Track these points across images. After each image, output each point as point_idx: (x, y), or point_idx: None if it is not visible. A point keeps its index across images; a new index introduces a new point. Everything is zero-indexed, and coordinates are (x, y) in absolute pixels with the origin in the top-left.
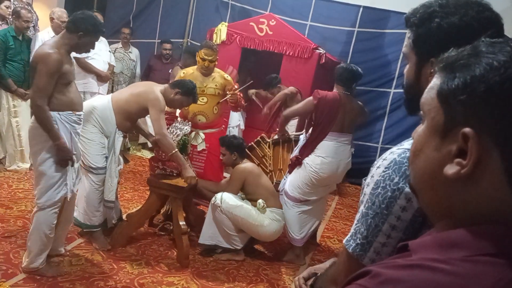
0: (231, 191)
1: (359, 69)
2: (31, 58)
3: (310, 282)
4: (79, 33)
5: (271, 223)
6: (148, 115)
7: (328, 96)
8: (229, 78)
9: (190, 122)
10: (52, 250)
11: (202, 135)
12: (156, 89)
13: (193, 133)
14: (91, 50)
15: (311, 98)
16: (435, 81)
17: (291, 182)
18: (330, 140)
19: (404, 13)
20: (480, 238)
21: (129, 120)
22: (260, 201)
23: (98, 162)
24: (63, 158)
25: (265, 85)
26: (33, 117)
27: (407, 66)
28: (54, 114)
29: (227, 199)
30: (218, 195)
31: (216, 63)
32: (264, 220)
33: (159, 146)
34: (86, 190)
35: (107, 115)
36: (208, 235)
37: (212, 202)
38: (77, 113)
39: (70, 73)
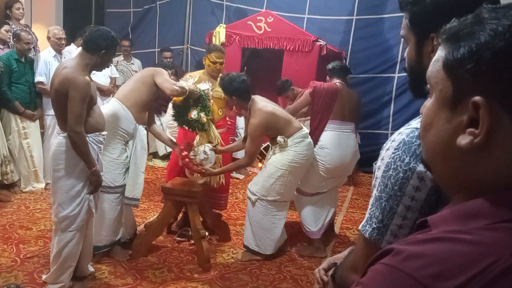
0: (254, 151)
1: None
2: (36, 79)
3: (330, 272)
4: (101, 51)
5: (297, 146)
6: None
7: (323, 85)
8: None
9: (209, 83)
10: (79, 272)
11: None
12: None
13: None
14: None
15: (307, 90)
16: (440, 53)
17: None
18: (332, 130)
19: None
20: (498, 206)
21: (144, 110)
22: (279, 137)
23: (116, 181)
24: (97, 184)
25: (278, 91)
26: (58, 140)
27: (407, 49)
28: None
29: (254, 187)
30: (248, 193)
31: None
32: (288, 155)
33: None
34: (104, 210)
35: (124, 115)
36: (251, 237)
37: (251, 200)
38: (103, 133)
39: (95, 94)
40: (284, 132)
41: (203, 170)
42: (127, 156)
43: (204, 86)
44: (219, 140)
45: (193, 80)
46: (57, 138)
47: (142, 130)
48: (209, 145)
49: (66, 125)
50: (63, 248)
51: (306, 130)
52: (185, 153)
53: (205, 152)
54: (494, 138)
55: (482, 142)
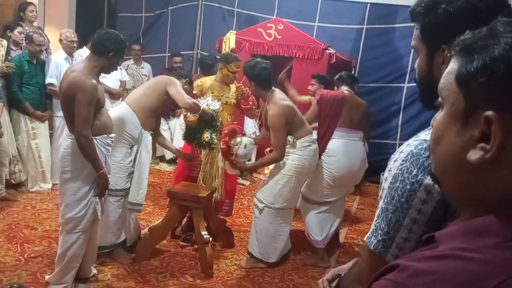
0: (281, 143)
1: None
2: (46, 81)
3: (334, 283)
4: (109, 54)
5: (304, 150)
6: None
7: (330, 93)
8: (243, 86)
9: (220, 101)
10: (82, 273)
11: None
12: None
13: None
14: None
15: (315, 98)
16: (453, 66)
17: (308, 185)
18: (340, 137)
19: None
20: (509, 224)
21: (151, 116)
22: (289, 137)
23: (119, 184)
24: (104, 187)
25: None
26: (67, 142)
27: (418, 59)
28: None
29: (261, 195)
30: (255, 201)
31: None
32: (294, 159)
33: (188, 112)
34: (106, 212)
35: (129, 119)
36: (255, 244)
37: (259, 208)
38: (111, 135)
39: (103, 97)
40: (296, 132)
41: (235, 162)
42: (130, 161)
43: (215, 106)
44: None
45: (206, 101)
46: (66, 141)
47: (147, 136)
48: (252, 140)
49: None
50: (68, 249)
51: (315, 136)
52: (227, 137)
53: (245, 146)
54: (505, 153)
55: (493, 158)
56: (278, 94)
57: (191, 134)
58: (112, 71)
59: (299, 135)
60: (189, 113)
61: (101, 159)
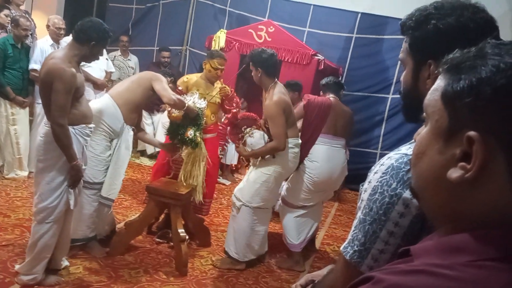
0: (280, 131)
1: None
2: (30, 66)
3: None
4: (91, 42)
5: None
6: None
7: (317, 99)
8: (227, 87)
9: (205, 100)
10: (53, 264)
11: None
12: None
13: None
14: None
15: (302, 103)
16: (439, 83)
17: (288, 188)
18: (323, 144)
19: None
20: (484, 243)
21: (135, 111)
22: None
23: (97, 177)
24: (76, 179)
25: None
26: (44, 130)
27: (404, 72)
28: (69, 129)
29: (239, 193)
30: (234, 199)
31: None
32: (274, 160)
33: (172, 108)
34: (81, 204)
35: (112, 112)
36: (232, 244)
37: (236, 206)
38: (90, 125)
39: (83, 86)
40: (287, 130)
41: (238, 146)
42: (110, 154)
43: (201, 104)
44: (206, 157)
45: (193, 98)
46: (43, 129)
47: (129, 131)
48: (265, 136)
49: None
50: (39, 239)
51: (300, 141)
52: (239, 120)
53: (254, 137)
54: (485, 174)
55: (473, 178)
56: (280, 87)
57: (175, 130)
58: (93, 61)
59: (288, 135)
60: (173, 109)
61: (78, 149)
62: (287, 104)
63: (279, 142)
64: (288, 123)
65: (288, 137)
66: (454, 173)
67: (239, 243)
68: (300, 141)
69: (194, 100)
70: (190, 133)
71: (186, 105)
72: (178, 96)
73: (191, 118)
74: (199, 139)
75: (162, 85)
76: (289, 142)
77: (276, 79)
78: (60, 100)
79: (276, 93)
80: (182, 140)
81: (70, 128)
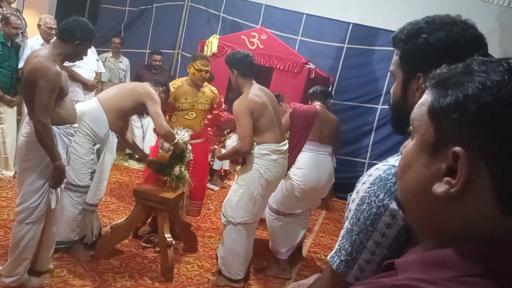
0: (243, 132)
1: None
2: (19, 65)
3: None
4: (75, 41)
5: (260, 159)
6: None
7: (303, 107)
8: (216, 91)
9: (190, 130)
10: (38, 266)
11: (189, 147)
12: (147, 85)
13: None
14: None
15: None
16: (426, 97)
17: (275, 195)
18: (310, 151)
19: (393, 31)
20: (467, 258)
21: (121, 119)
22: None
23: (81, 180)
24: (59, 180)
25: None
26: (27, 130)
27: (394, 84)
28: (53, 128)
29: (223, 207)
30: (221, 214)
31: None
32: (252, 169)
33: (162, 139)
34: (64, 206)
35: (98, 117)
36: (222, 262)
37: (224, 224)
38: (74, 125)
39: (67, 85)
40: (259, 135)
41: (215, 147)
42: (92, 158)
43: (185, 137)
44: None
45: (178, 132)
46: (26, 128)
47: (114, 138)
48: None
49: None
50: (20, 239)
51: (282, 147)
52: (224, 122)
53: (233, 140)
54: (470, 190)
55: (458, 193)
56: (255, 89)
57: (162, 169)
58: (77, 60)
59: (261, 140)
60: (162, 143)
61: (62, 149)
62: (257, 106)
63: (242, 144)
64: (260, 126)
65: (260, 142)
66: (439, 188)
67: (229, 261)
68: (282, 147)
69: (179, 135)
70: (177, 170)
71: (176, 140)
72: (170, 129)
73: (177, 154)
74: (185, 173)
75: (156, 109)
76: (264, 148)
77: (253, 81)
78: (44, 99)
79: (247, 94)
80: (170, 177)
81: (54, 128)
